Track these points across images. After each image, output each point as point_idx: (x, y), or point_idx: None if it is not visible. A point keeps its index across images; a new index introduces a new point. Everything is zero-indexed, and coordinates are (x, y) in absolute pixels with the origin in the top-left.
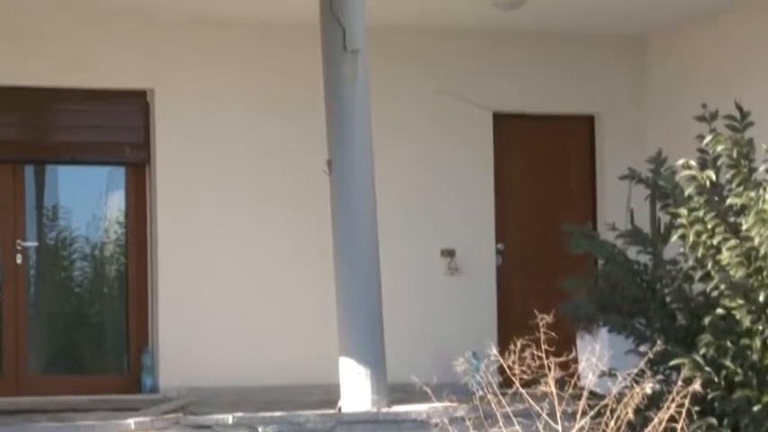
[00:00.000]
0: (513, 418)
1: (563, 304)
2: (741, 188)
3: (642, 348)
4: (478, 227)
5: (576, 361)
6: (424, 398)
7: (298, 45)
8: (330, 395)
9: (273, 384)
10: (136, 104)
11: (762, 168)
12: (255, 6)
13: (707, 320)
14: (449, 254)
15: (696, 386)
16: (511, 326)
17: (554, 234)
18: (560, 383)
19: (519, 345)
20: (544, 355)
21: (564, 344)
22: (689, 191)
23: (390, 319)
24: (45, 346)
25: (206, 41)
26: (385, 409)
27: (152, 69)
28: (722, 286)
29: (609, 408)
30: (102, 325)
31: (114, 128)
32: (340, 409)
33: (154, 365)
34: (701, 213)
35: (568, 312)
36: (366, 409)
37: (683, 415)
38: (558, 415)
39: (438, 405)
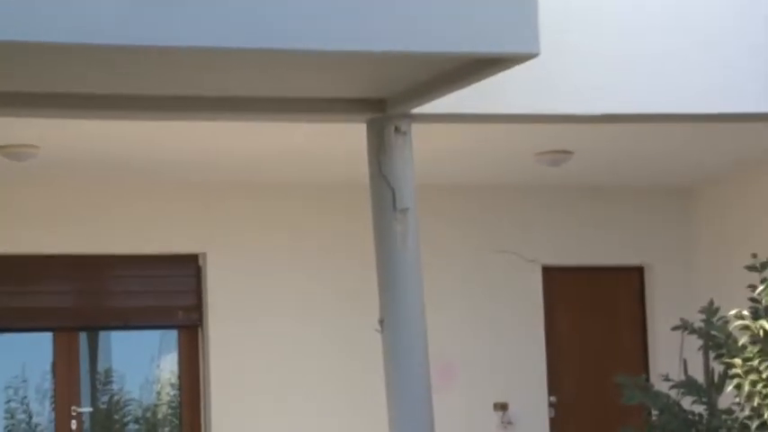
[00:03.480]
0: None
1: None
2: None
3: None
4: (530, 379)
5: None
6: None
7: (346, 207)
8: None
9: None
10: (188, 268)
11: None
12: (304, 171)
13: None
14: (501, 407)
15: None
16: None
17: (607, 386)
18: None
19: None
20: None
21: None
22: (743, 340)
23: None
24: None
25: (256, 205)
26: None
27: (203, 234)
28: None
29: None
30: None
31: (166, 292)
32: None
33: None
34: (755, 362)
35: None
36: None
37: None
38: None
39: None
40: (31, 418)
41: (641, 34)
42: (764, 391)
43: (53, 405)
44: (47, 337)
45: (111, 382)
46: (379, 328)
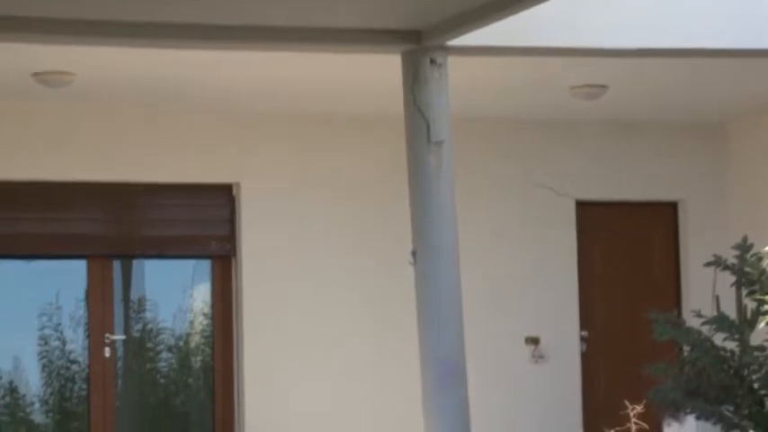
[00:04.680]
0: None
1: (649, 391)
2: None
3: None
4: (562, 314)
5: None
6: None
7: (382, 138)
8: None
9: None
10: (221, 198)
11: None
12: (339, 102)
13: None
14: (533, 341)
15: None
16: (596, 413)
17: (639, 321)
18: None
19: None
20: None
21: None
22: None
23: (475, 406)
24: None
25: (289, 136)
26: None
27: (237, 164)
28: None
29: None
30: (188, 416)
31: (200, 221)
32: None
33: None
34: None
35: (655, 399)
36: None
37: None
38: None
39: None
40: (64, 345)
41: None
42: None
43: (87, 332)
44: (81, 265)
45: (144, 311)
46: (412, 259)
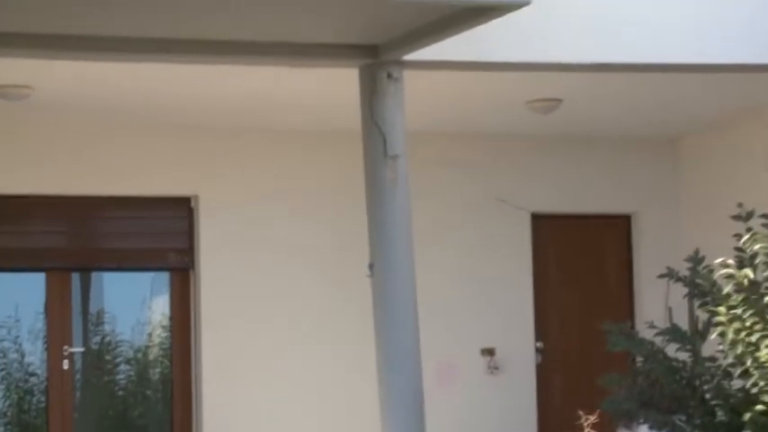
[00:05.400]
0: None
1: (603, 401)
2: None
3: None
4: (518, 326)
5: None
6: None
7: (339, 152)
8: None
9: None
10: (180, 211)
11: None
12: (296, 116)
13: (747, 416)
14: (489, 353)
15: None
16: (551, 423)
17: (593, 332)
18: None
19: None
20: None
21: None
22: (727, 289)
23: (431, 417)
24: None
25: (248, 149)
26: None
27: (196, 177)
28: (761, 382)
29: None
30: (146, 428)
31: (159, 234)
32: None
33: None
34: (739, 311)
35: (609, 409)
36: None
37: None
38: None
39: None
40: (23, 357)
41: None
42: (747, 339)
43: (45, 345)
44: (40, 278)
45: (102, 323)
46: (369, 272)
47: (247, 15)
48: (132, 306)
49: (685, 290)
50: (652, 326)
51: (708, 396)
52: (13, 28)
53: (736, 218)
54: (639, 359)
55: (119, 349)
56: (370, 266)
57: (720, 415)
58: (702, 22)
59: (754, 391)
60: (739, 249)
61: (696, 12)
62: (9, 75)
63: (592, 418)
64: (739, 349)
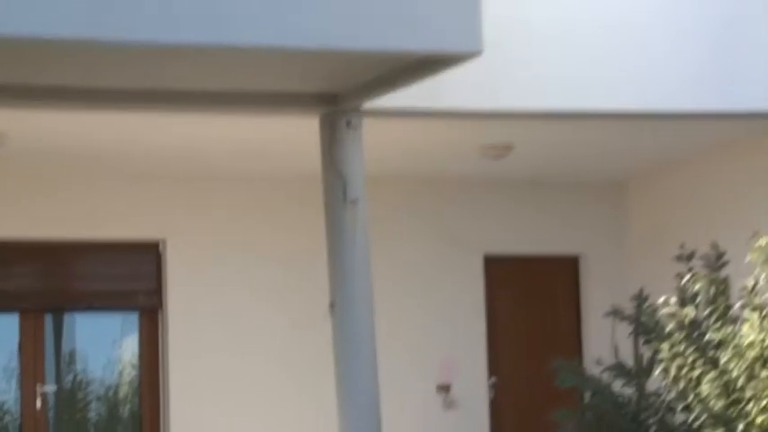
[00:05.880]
0: None
1: None
2: (719, 324)
3: None
4: (472, 363)
5: None
6: None
7: (301, 197)
8: None
9: None
10: (148, 254)
11: (737, 305)
12: (259, 163)
13: None
14: (444, 389)
15: None
16: None
17: (544, 369)
18: None
19: None
20: None
21: None
22: (670, 327)
23: None
24: None
25: (213, 194)
26: None
27: (163, 222)
28: (703, 416)
29: None
30: None
31: (128, 276)
32: None
33: None
34: (681, 348)
35: None
36: None
37: None
38: None
39: None
40: None
41: (575, 37)
42: (689, 375)
43: (19, 383)
44: (14, 318)
45: (75, 362)
46: (330, 311)
47: (210, 68)
48: (103, 345)
49: (631, 328)
50: (599, 362)
51: (653, 430)
52: None
53: (679, 259)
54: (588, 394)
55: (90, 388)
56: (332, 306)
57: None
58: (645, 71)
59: (697, 424)
60: (681, 289)
61: (638, 62)
62: None
63: None
64: (681, 384)
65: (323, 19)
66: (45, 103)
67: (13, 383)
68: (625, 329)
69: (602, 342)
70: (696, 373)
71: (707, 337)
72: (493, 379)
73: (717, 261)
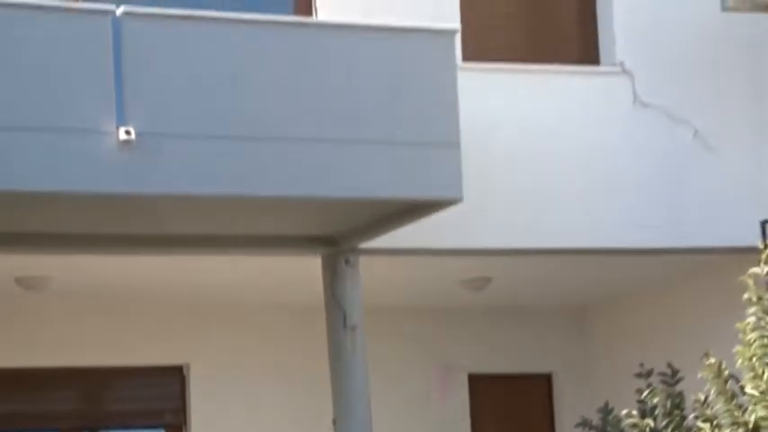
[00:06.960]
0: None
1: None
2: None
3: None
4: None
5: None
6: None
7: (308, 324)
8: None
9: None
10: (174, 377)
11: (691, 416)
12: (271, 295)
13: None
14: None
15: None
16: None
17: None
18: None
19: None
20: None
21: None
22: None
23: None
24: None
25: (231, 323)
26: None
27: (187, 348)
28: None
29: None
30: None
31: (155, 397)
32: None
33: None
34: None
35: None
36: None
37: None
38: None
39: None
40: None
41: (545, 181)
42: None
43: None
44: None
45: None
46: (332, 426)
47: (228, 216)
48: None
49: None
50: None
51: None
52: (32, 228)
53: (639, 375)
54: None
55: None
56: (334, 421)
57: None
58: (601, 212)
59: None
60: (641, 402)
61: (594, 205)
62: (33, 266)
63: None
64: None
65: (326, 173)
66: (83, 249)
67: None
68: None
69: None
70: None
71: None
72: None
73: (672, 377)
